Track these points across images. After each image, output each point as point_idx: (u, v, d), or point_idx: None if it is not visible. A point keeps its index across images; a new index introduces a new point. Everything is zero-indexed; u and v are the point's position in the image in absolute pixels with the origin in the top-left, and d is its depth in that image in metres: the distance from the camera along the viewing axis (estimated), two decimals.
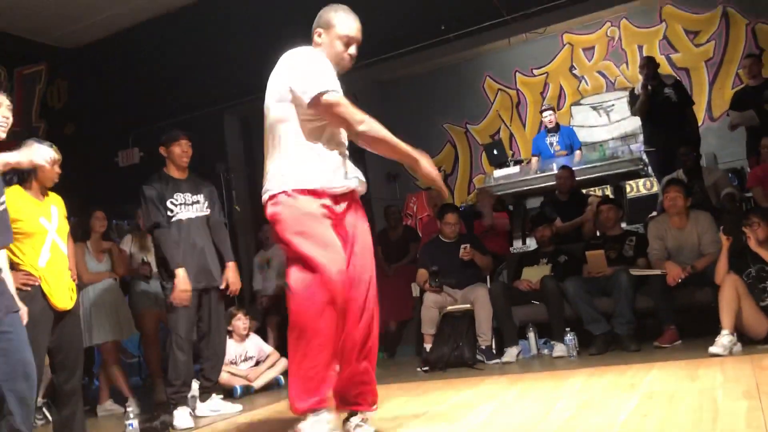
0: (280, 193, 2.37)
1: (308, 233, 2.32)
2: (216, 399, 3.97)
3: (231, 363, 4.69)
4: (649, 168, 6.10)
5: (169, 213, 3.76)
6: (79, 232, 4.49)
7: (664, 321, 4.26)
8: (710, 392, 2.63)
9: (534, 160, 6.63)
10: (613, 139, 7.85)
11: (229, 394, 4.37)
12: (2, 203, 2.48)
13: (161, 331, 4.85)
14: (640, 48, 7.78)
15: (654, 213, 5.33)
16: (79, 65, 7.71)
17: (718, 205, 5.08)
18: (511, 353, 4.53)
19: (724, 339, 3.59)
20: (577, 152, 6.55)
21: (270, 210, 2.41)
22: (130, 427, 3.30)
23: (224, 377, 4.39)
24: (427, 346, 4.73)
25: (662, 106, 5.81)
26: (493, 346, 4.63)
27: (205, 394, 3.98)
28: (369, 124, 2.35)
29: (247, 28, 6.77)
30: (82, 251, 4.67)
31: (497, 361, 4.52)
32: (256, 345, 4.93)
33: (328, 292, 2.25)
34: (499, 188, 6.26)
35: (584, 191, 6.24)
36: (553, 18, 6.30)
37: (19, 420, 2.27)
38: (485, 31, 6.06)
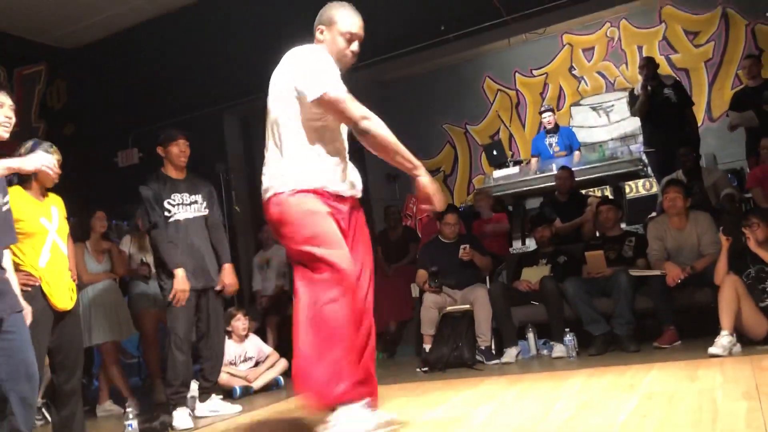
0: (282, 192, 2.37)
1: (318, 234, 2.32)
2: (215, 399, 3.97)
3: (230, 363, 4.69)
4: (649, 168, 6.11)
5: (166, 213, 3.76)
6: (78, 233, 4.49)
7: (663, 321, 4.26)
8: (710, 393, 2.63)
9: (533, 160, 6.63)
10: (612, 139, 7.86)
11: (228, 394, 4.37)
12: (6, 203, 2.49)
13: (160, 332, 4.85)
14: (640, 48, 7.78)
15: (653, 213, 5.33)
16: (79, 65, 7.71)
17: (717, 206, 5.08)
18: (510, 354, 4.53)
19: (724, 339, 3.59)
20: (577, 153, 6.56)
21: (274, 210, 2.40)
22: (130, 428, 3.30)
23: (223, 378, 4.39)
24: (427, 347, 4.73)
25: (662, 106, 5.81)
26: (493, 347, 4.63)
27: (204, 395, 3.98)
28: (373, 122, 2.34)
29: (247, 28, 6.77)
30: (82, 251, 4.67)
31: (497, 361, 4.53)
32: (255, 345, 4.93)
33: (345, 288, 2.26)
34: (499, 189, 6.26)
35: (584, 192, 6.24)
36: (553, 18, 6.31)
37: (21, 420, 2.27)
38: (485, 32, 6.07)
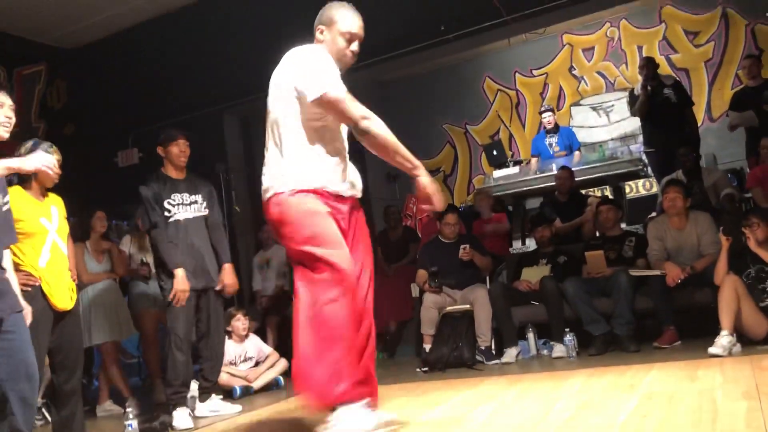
0: (282, 192, 2.37)
1: (318, 234, 2.32)
2: (215, 399, 3.97)
3: (230, 363, 4.69)
4: (649, 168, 6.11)
5: (166, 213, 3.76)
6: (78, 232, 4.49)
7: (663, 321, 4.26)
8: (710, 393, 2.63)
9: (533, 160, 6.64)
10: (612, 139, 7.86)
11: (228, 394, 4.37)
12: (6, 203, 2.49)
13: (160, 332, 4.85)
14: (640, 48, 7.79)
15: (653, 213, 5.33)
16: (79, 65, 7.71)
17: (717, 206, 5.08)
18: (510, 354, 4.53)
19: (724, 339, 3.59)
20: (576, 153, 6.56)
21: (274, 210, 2.39)
22: (130, 428, 3.30)
23: (223, 378, 4.39)
24: (427, 347, 4.73)
25: (662, 106, 5.81)
26: (493, 347, 4.63)
27: (204, 395, 3.98)
28: (373, 122, 2.34)
29: (247, 28, 6.77)
30: (82, 251, 4.67)
31: (496, 361, 4.52)
32: (255, 345, 4.93)
33: (345, 288, 2.27)
34: (499, 189, 6.26)
35: (584, 192, 6.24)
36: (553, 18, 6.31)
37: (21, 420, 2.27)
38: (485, 32, 6.06)
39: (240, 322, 4.81)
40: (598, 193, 6.80)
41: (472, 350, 4.60)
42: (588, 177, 6.03)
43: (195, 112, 6.98)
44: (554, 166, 6.08)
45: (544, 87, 8.34)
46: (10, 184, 2.88)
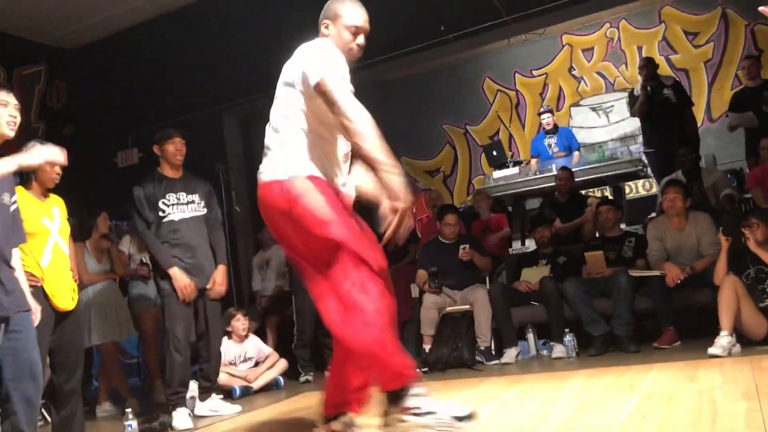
0: (291, 177, 2.30)
1: (340, 219, 2.25)
2: (215, 399, 3.97)
3: (230, 364, 4.70)
4: (648, 169, 6.11)
5: (160, 213, 3.76)
6: (78, 232, 4.50)
7: (663, 322, 4.26)
8: (709, 393, 2.63)
9: (533, 161, 6.64)
10: (612, 140, 7.86)
11: (228, 394, 4.38)
12: (14, 202, 2.50)
13: (160, 332, 4.85)
14: (640, 49, 7.79)
15: (653, 214, 5.33)
16: (79, 66, 7.71)
17: (717, 206, 5.08)
18: (510, 354, 4.53)
19: (723, 340, 3.59)
20: (576, 153, 6.56)
21: (282, 193, 2.28)
22: (129, 428, 3.31)
23: (223, 378, 4.40)
24: (427, 347, 4.73)
25: (661, 107, 5.81)
26: (492, 347, 4.63)
27: (204, 394, 3.98)
28: (357, 113, 2.20)
29: (247, 28, 6.77)
30: (82, 251, 4.67)
31: (496, 362, 4.53)
32: (255, 346, 4.93)
33: (378, 280, 2.25)
34: (499, 189, 6.26)
35: (583, 192, 6.24)
36: (553, 19, 6.31)
37: (24, 420, 2.27)
38: (485, 32, 6.06)
39: (240, 323, 4.81)
40: (598, 194, 6.80)
41: (472, 351, 4.60)
42: (588, 177, 6.03)
43: (195, 112, 6.98)
44: (554, 167, 6.08)
45: (544, 87, 8.35)
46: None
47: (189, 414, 3.70)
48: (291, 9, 6.00)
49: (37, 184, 3.19)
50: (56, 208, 3.23)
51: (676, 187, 4.55)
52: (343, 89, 2.24)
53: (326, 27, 2.46)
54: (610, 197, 6.07)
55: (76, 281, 3.32)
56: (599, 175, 6.01)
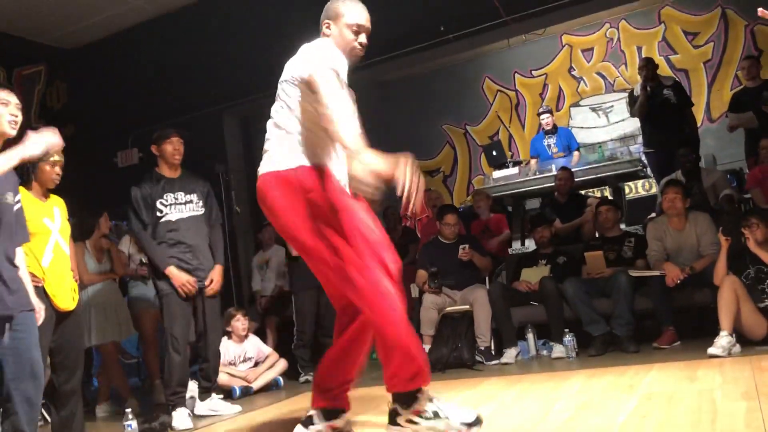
0: (303, 165, 2.28)
1: (357, 210, 2.26)
2: (215, 399, 3.97)
3: (230, 364, 4.70)
4: (648, 169, 6.11)
5: (158, 213, 3.75)
6: (78, 233, 4.50)
7: (663, 322, 4.26)
8: (709, 393, 2.63)
9: (533, 161, 6.64)
10: (612, 140, 7.87)
11: (228, 394, 4.37)
12: (18, 202, 2.50)
13: (160, 332, 4.85)
14: (639, 49, 7.80)
15: (653, 214, 5.34)
16: (79, 66, 7.71)
17: (716, 207, 5.08)
18: (510, 354, 4.53)
19: (723, 340, 3.60)
20: (575, 153, 6.57)
21: (296, 176, 2.27)
22: (129, 428, 3.30)
23: (223, 378, 4.40)
24: (426, 347, 4.73)
25: (661, 107, 5.81)
26: (492, 347, 4.63)
27: (204, 394, 3.98)
28: (335, 102, 2.15)
29: (247, 28, 6.77)
30: (82, 251, 4.67)
31: (496, 362, 4.52)
32: (255, 346, 4.93)
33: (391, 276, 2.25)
34: (498, 189, 6.26)
35: (583, 192, 6.25)
36: (553, 19, 6.31)
37: (24, 420, 2.27)
38: (484, 32, 6.07)
39: (240, 323, 4.81)
40: (598, 194, 6.80)
41: (472, 351, 4.60)
42: (587, 178, 6.03)
43: (195, 113, 6.98)
44: (553, 167, 6.08)
45: (544, 87, 8.35)
46: None
47: (189, 414, 3.71)
48: (291, 9, 6.00)
49: (38, 185, 3.20)
50: (57, 208, 3.24)
51: (675, 187, 4.56)
52: (329, 81, 2.21)
53: (327, 27, 2.45)
54: (610, 197, 6.07)
55: (76, 281, 3.32)
56: (599, 176, 6.01)
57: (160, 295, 3.76)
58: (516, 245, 5.91)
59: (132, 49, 7.25)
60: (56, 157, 3.24)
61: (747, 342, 3.77)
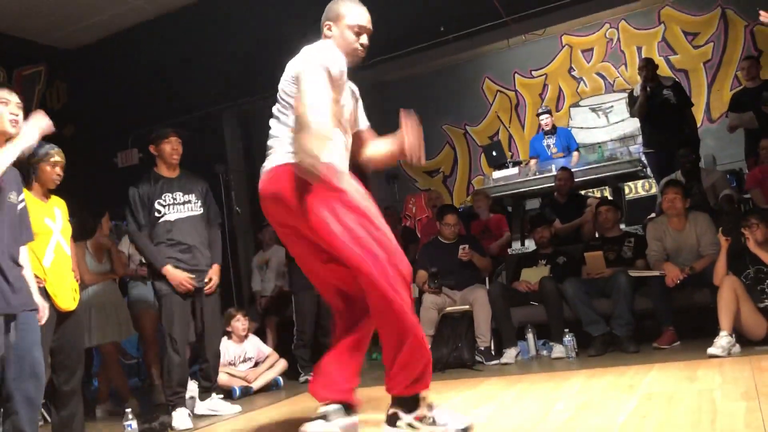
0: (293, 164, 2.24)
1: (373, 213, 2.26)
2: (215, 399, 3.97)
3: (230, 364, 4.70)
4: (648, 169, 6.11)
5: (156, 214, 3.75)
6: (78, 233, 4.50)
7: (662, 322, 4.27)
8: (709, 393, 2.63)
9: (532, 161, 6.64)
10: (611, 140, 7.86)
11: (227, 395, 4.37)
12: (22, 201, 2.51)
13: (160, 332, 4.84)
14: (639, 49, 7.79)
15: (653, 214, 5.34)
16: (79, 66, 7.71)
17: (716, 207, 5.09)
18: (510, 354, 4.53)
19: (723, 340, 3.60)
20: (575, 153, 6.57)
21: (283, 181, 2.23)
22: (129, 428, 3.30)
23: (223, 378, 4.40)
24: None
25: (661, 107, 5.81)
26: (492, 347, 4.63)
27: (204, 394, 3.98)
28: (313, 91, 2.14)
29: (247, 28, 6.77)
30: (83, 251, 4.67)
31: (496, 362, 4.53)
32: (254, 346, 4.93)
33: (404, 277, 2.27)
34: (498, 189, 6.27)
35: (583, 193, 6.25)
36: (552, 19, 6.32)
37: (25, 420, 2.27)
38: (484, 33, 6.07)
39: (240, 323, 4.81)
40: (598, 194, 6.81)
41: (472, 351, 4.60)
42: (587, 178, 6.03)
43: (195, 113, 6.99)
44: (553, 167, 6.09)
45: (544, 88, 8.35)
46: None
47: (189, 414, 3.70)
48: (291, 9, 6.01)
49: (39, 185, 3.20)
50: (58, 209, 3.25)
51: (675, 187, 4.56)
52: (314, 75, 2.20)
53: (329, 28, 2.45)
54: (610, 197, 6.08)
55: (77, 281, 3.33)
56: (599, 176, 6.01)
57: (158, 295, 3.76)
58: (516, 245, 5.91)
59: (132, 50, 7.26)
60: (57, 158, 3.25)
61: (747, 342, 3.78)
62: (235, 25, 6.88)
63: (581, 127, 8.02)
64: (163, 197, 3.78)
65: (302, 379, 4.93)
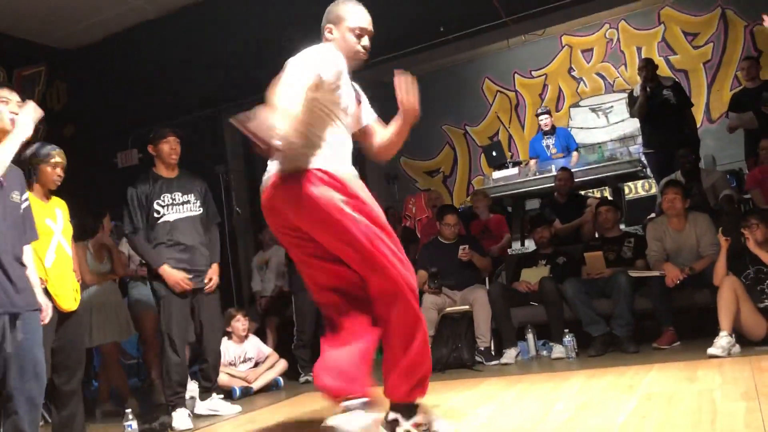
0: (316, 169, 2.23)
1: (385, 224, 2.30)
2: (216, 399, 3.97)
3: (230, 364, 4.70)
4: (648, 169, 6.12)
5: (155, 214, 3.75)
6: (78, 233, 4.50)
7: (662, 322, 4.27)
8: (709, 393, 2.63)
9: (532, 162, 6.65)
10: (611, 140, 7.86)
11: (228, 395, 4.37)
12: (26, 200, 2.51)
13: (160, 333, 4.84)
14: (639, 50, 7.80)
15: (653, 214, 5.34)
16: (79, 66, 7.72)
17: (716, 207, 5.09)
18: (509, 354, 4.53)
19: (723, 340, 3.60)
20: (574, 154, 6.58)
21: (306, 186, 2.21)
22: (129, 429, 3.31)
23: (223, 379, 4.40)
24: None
25: (661, 107, 5.81)
26: (492, 348, 4.63)
27: (204, 394, 3.98)
28: (287, 93, 2.09)
29: (247, 28, 6.78)
30: (84, 252, 4.67)
31: (496, 362, 4.52)
32: (255, 346, 4.93)
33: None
34: (498, 190, 6.27)
35: (583, 193, 6.25)
36: (552, 20, 6.32)
37: (26, 420, 2.27)
38: (484, 33, 6.08)
39: (240, 323, 4.81)
40: (597, 194, 6.81)
41: (472, 351, 4.60)
42: (587, 178, 6.03)
43: (195, 113, 6.99)
44: (553, 167, 6.09)
45: (544, 88, 8.35)
46: None
47: (189, 414, 3.71)
48: (291, 9, 6.01)
49: (39, 186, 3.21)
50: (59, 209, 3.26)
51: (675, 187, 4.56)
52: (296, 70, 2.15)
53: (330, 32, 2.43)
54: (610, 198, 6.08)
55: (79, 281, 3.33)
56: (599, 176, 6.01)
57: (156, 296, 3.75)
58: (516, 246, 5.91)
59: (132, 50, 7.26)
60: (58, 159, 3.25)
61: (746, 342, 3.78)
62: (235, 25, 6.88)
63: (581, 128, 8.02)
64: (162, 198, 3.77)
65: (302, 379, 4.93)
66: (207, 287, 3.84)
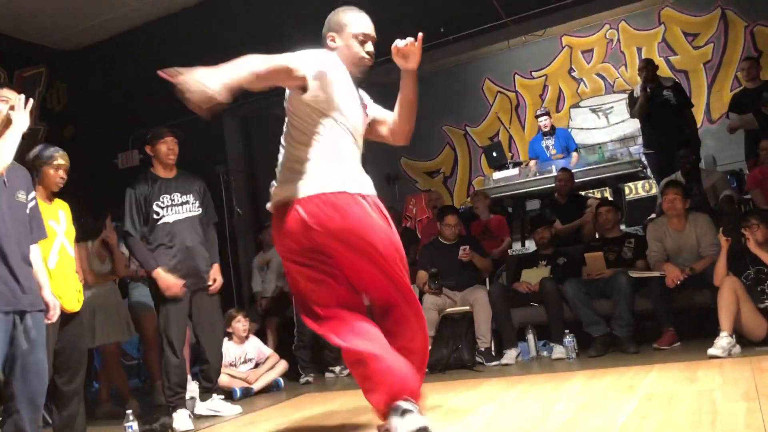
0: (315, 195, 2.24)
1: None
2: (216, 399, 3.97)
3: (230, 365, 4.70)
4: (648, 170, 6.12)
5: (155, 216, 3.74)
6: (80, 234, 4.50)
7: (663, 323, 4.27)
8: (709, 394, 2.63)
9: (532, 162, 6.65)
10: (612, 141, 7.87)
11: (228, 396, 4.38)
12: (33, 199, 2.52)
13: (159, 333, 4.84)
14: (639, 50, 7.80)
15: (653, 215, 5.34)
16: (79, 67, 7.72)
17: (716, 208, 5.09)
18: (510, 355, 4.54)
19: (723, 341, 3.60)
20: (574, 154, 6.58)
21: (306, 215, 2.21)
22: (130, 429, 3.31)
23: (224, 379, 4.40)
24: None
25: (661, 108, 5.82)
26: (492, 348, 4.63)
27: (205, 395, 3.99)
28: (243, 61, 2.15)
29: (247, 29, 6.78)
30: (86, 252, 4.67)
31: (496, 363, 4.53)
32: (255, 347, 4.93)
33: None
34: (498, 190, 6.27)
35: (583, 193, 6.25)
36: (552, 20, 6.31)
37: (27, 420, 2.27)
38: (484, 34, 6.07)
39: (240, 324, 4.81)
40: (598, 195, 6.81)
41: (472, 352, 4.60)
42: (587, 178, 6.04)
43: (194, 114, 6.96)
44: (553, 168, 6.09)
45: (544, 89, 8.36)
46: None
47: (189, 415, 3.71)
48: (291, 10, 6.01)
49: (42, 188, 3.21)
50: (62, 211, 3.27)
51: (675, 188, 4.56)
52: (269, 56, 2.19)
53: (332, 40, 2.40)
54: (610, 198, 6.08)
55: (81, 282, 3.34)
56: (599, 176, 6.02)
57: (155, 297, 3.75)
58: (516, 246, 5.92)
59: (132, 51, 7.26)
60: (60, 161, 3.25)
61: (747, 343, 3.78)
62: (235, 26, 6.88)
63: (581, 128, 8.03)
64: (161, 199, 3.77)
65: (303, 380, 4.93)
66: (211, 288, 3.84)
